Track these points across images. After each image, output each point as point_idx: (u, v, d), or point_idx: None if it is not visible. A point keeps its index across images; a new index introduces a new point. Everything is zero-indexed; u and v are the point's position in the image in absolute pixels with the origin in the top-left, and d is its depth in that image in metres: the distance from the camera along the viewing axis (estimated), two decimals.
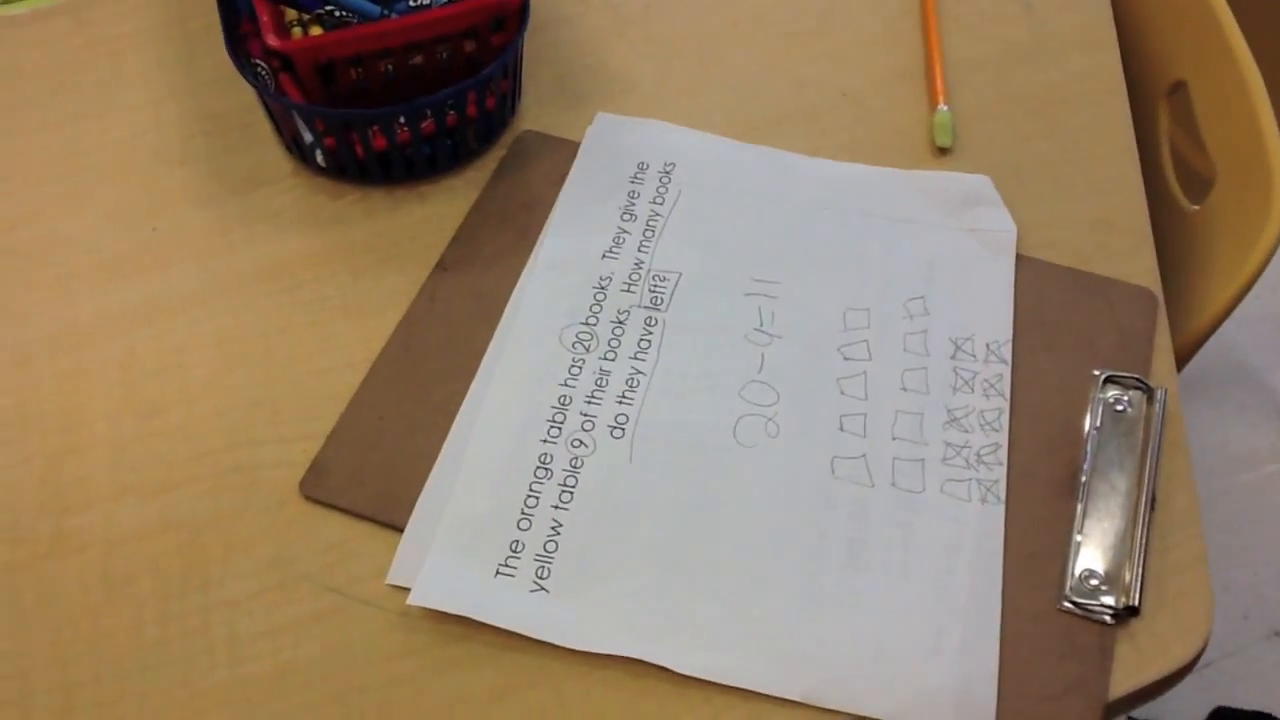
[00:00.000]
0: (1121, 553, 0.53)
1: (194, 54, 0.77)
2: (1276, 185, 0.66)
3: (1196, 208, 0.74)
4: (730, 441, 0.57)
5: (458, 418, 0.58)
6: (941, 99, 0.72)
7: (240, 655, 0.51)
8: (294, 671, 0.51)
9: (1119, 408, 0.58)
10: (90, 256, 0.66)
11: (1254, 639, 1.30)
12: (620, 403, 0.58)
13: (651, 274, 0.63)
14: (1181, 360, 0.67)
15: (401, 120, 0.65)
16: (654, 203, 0.67)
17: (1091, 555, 0.53)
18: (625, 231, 0.65)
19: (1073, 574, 0.53)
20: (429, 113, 0.65)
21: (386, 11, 0.66)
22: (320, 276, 0.65)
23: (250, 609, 0.52)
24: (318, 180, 0.69)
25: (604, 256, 0.64)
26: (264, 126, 0.72)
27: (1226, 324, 1.61)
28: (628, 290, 0.63)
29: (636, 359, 0.60)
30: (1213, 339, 1.57)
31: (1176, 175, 0.80)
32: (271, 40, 0.62)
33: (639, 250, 0.65)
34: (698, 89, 0.74)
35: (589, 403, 0.58)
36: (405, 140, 0.66)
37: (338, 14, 0.66)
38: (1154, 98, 0.81)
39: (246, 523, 0.55)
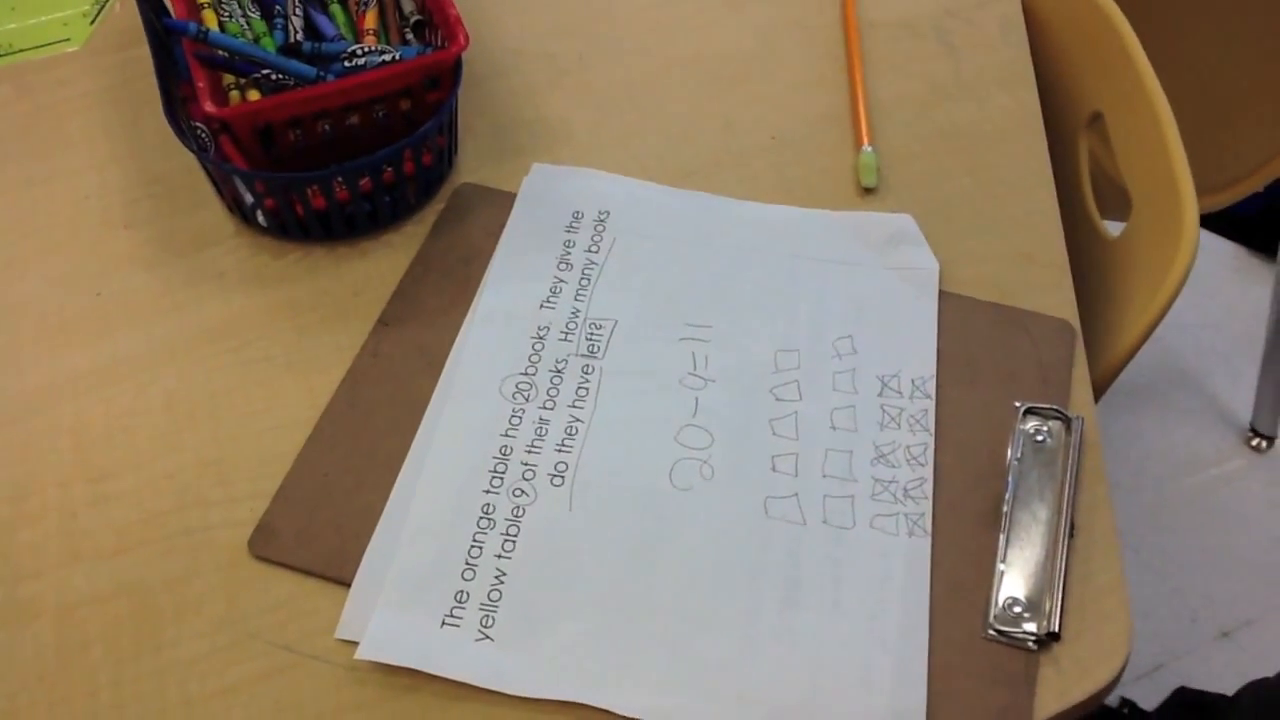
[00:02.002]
0: (1043, 580, 0.56)
1: (138, 116, 0.78)
2: (1187, 215, 0.69)
3: (1116, 235, 0.77)
4: (666, 485, 0.59)
5: (402, 472, 0.60)
6: (866, 140, 0.75)
7: (194, 716, 0.52)
8: None
9: (1039, 438, 0.61)
10: (38, 323, 0.67)
11: (1203, 640, 1.34)
12: (559, 451, 0.60)
13: (588, 322, 0.65)
14: (1104, 385, 0.70)
15: (340, 179, 0.67)
16: (589, 251, 0.69)
17: (1014, 584, 0.56)
18: (562, 281, 0.67)
19: (997, 603, 0.55)
20: (366, 172, 0.67)
21: (323, 74, 0.68)
22: (265, 335, 0.66)
23: (203, 669, 0.54)
24: (261, 240, 0.71)
25: (541, 306, 0.66)
26: (207, 188, 0.73)
27: (1168, 331, 1.66)
28: (565, 339, 0.65)
29: (575, 407, 0.62)
30: (1154, 345, 1.61)
31: (1108, 195, 0.83)
32: (209, 107, 0.64)
33: (575, 299, 0.67)
34: (632, 136, 0.77)
35: (529, 452, 0.60)
36: (344, 199, 0.68)
37: (274, 77, 0.68)
38: (1074, 129, 0.84)
39: (197, 584, 0.56)
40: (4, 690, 0.53)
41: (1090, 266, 0.79)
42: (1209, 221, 1.75)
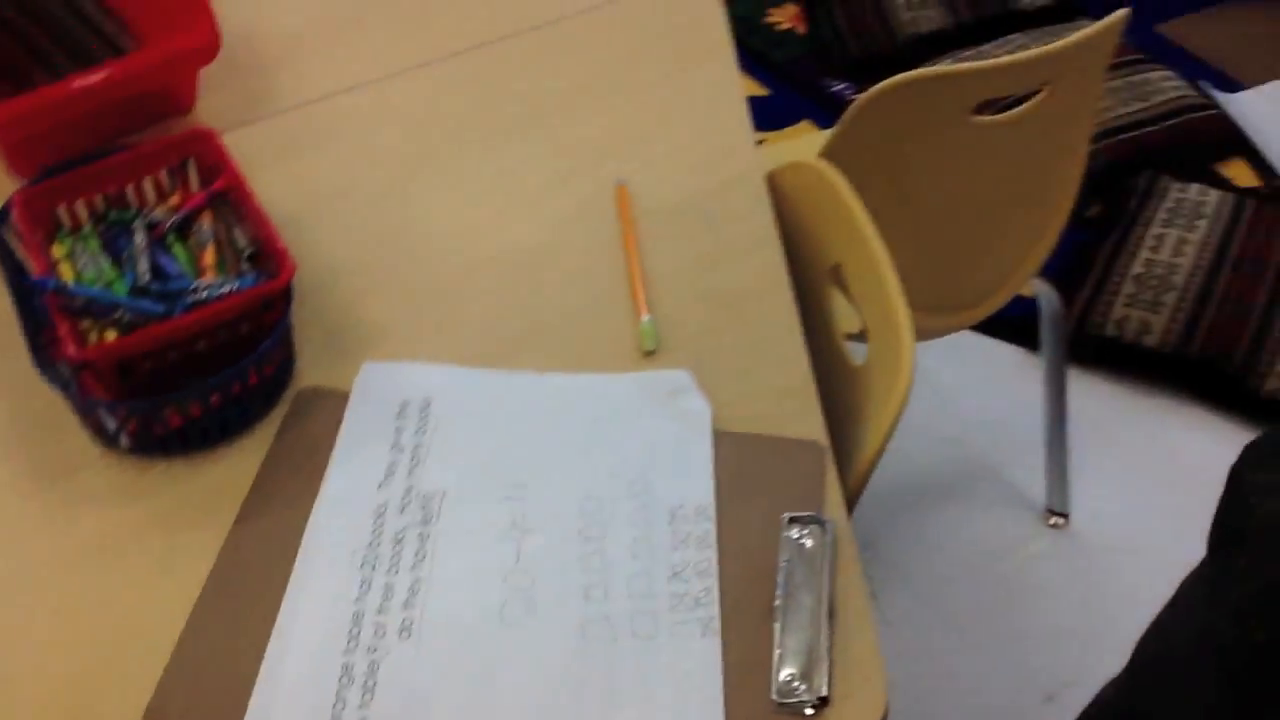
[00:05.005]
0: (812, 658, 0.68)
1: (3, 359, 0.87)
2: (904, 349, 0.84)
3: (861, 364, 0.93)
4: (498, 625, 0.70)
5: (269, 646, 0.69)
6: (645, 310, 0.89)
7: None
8: None
9: (802, 541, 0.74)
10: None
11: (1030, 705, 1.48)
12: (405, 609, 0.71)
13: (420, 495, 0.77)
14: (857, 491, 0.84)
15: (194, 399, 0.78)
16: (417, 434, 0.81)
17: (790, 663, 0.68)
18: (395, 463, 0.79)
19: (778, 680, 0.67)
20: (216, 389, 0.78)
21: (170, 309, 0.79)
22: (139, 544, 0.75)
23: None
24: (125, 460, 0.80)
25: (379, 487, 0.77)
26: (70, 418, 0.82)
27: (966, 430, 1.86)
28: (402, 512, 0.76)
29: (415, 569, 0.73)
30: (955, 446, 1.80)
31: None
32: (72, 352, 0.74)
33: (409, 476, 0.78)
34: (445, 328, 0.89)
35: (379, 614, 0.70)
36: (197, 414, 0.79)
37: (127, 317, 0.79)
38: (822, 278, 1.01)
39: None
40: None
41: (842, 392, 0.94)
42: (993, 329, 1.97)
